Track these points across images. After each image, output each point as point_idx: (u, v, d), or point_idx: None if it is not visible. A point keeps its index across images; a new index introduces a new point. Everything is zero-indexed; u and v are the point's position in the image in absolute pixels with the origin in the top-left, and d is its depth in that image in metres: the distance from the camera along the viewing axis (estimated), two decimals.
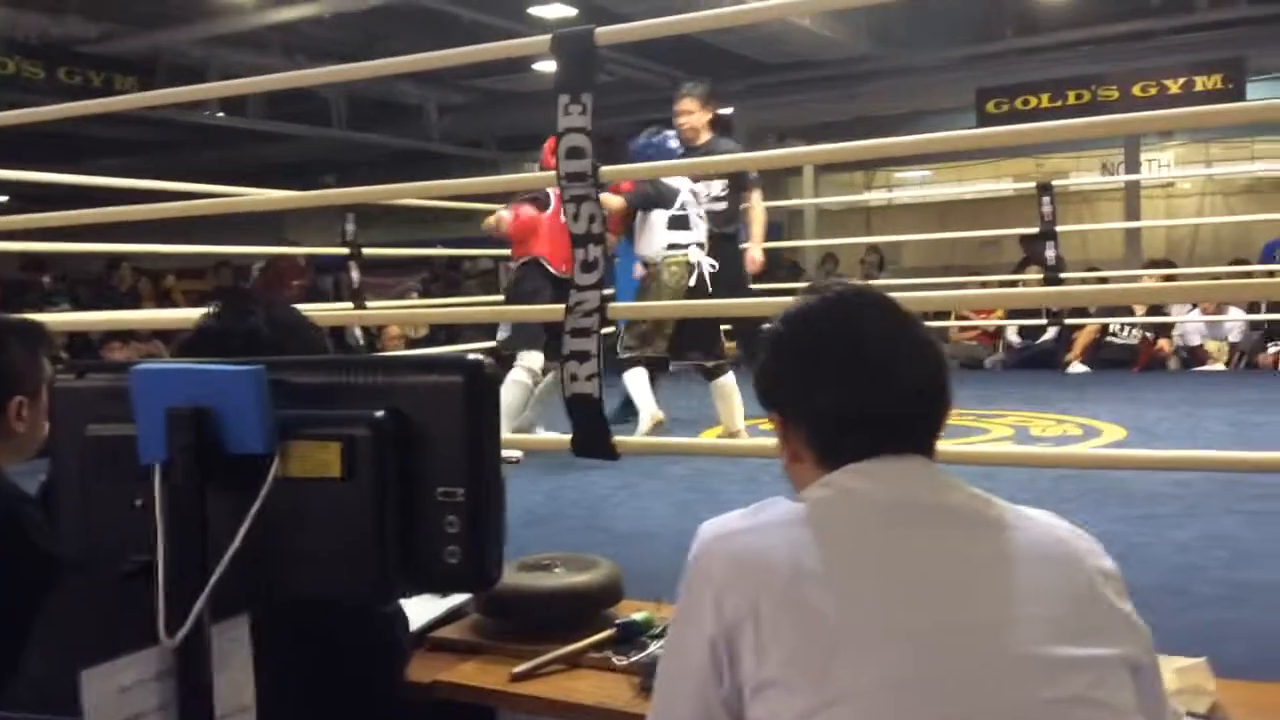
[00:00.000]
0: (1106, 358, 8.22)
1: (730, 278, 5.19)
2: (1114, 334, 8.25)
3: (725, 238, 5.36)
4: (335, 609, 1.41)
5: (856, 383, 1.19)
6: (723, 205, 5.33)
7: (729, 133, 5.39)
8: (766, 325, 1.28)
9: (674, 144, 5.25)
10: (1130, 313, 7.93)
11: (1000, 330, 9.14)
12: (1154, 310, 7.96)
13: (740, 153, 5.10)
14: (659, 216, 5.11)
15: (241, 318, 1.54)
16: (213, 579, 1.07)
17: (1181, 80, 9.77)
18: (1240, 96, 9.42)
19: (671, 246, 5.10)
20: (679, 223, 5.12)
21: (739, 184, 5.40)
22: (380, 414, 1.08)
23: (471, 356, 1.13)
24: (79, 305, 10.31)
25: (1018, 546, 1.15)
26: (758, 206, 5.63)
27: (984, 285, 9.06)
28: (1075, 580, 1.15)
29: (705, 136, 5.26)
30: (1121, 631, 1.14)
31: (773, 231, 13.70)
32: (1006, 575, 1.12)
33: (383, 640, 1.56)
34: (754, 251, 5.62)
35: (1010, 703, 1.04)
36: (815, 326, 1.23)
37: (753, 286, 5.66)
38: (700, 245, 5.13)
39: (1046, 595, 1.11)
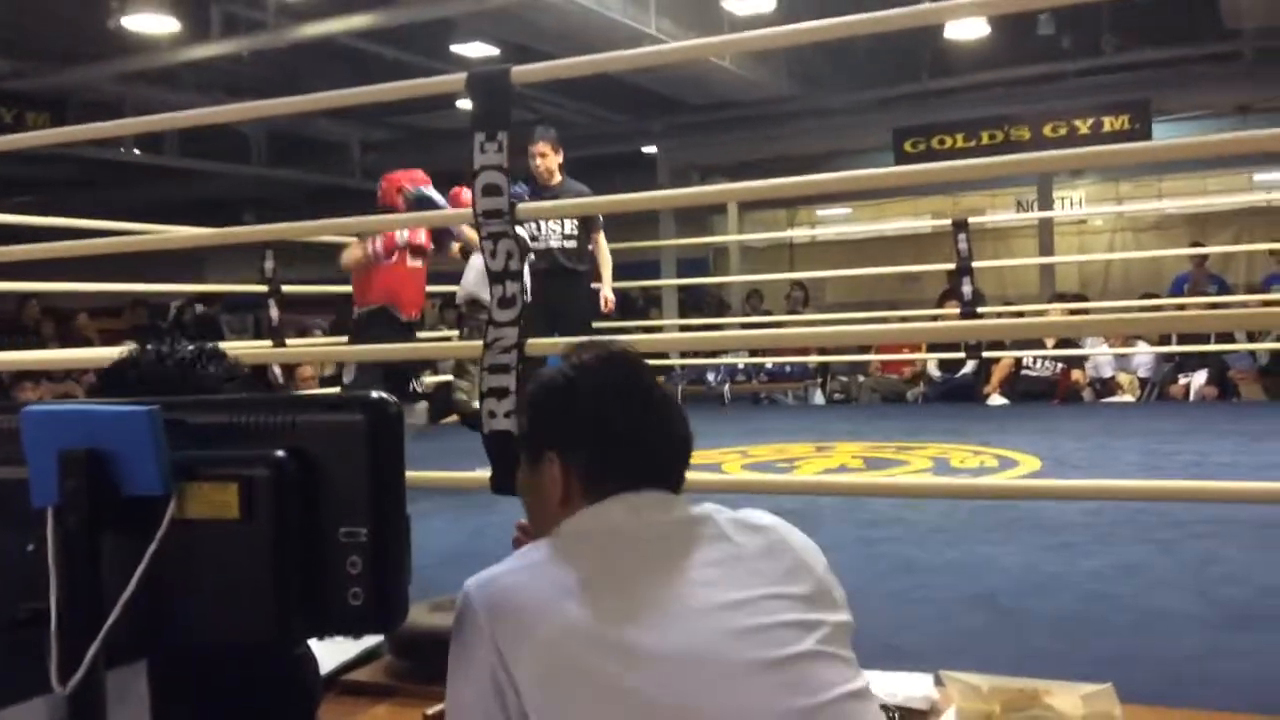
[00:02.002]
0: (1024, 390, 8.39)
1: (578, 312, 5.52)
2: (1028, 367, 8.42)
3: (575, 274, 5.75)
4: (241, 651, 1.38)
5: (641, 426, 1.37)
6: (573, 243, 5.73)
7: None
8: (548, 373, 1.43)
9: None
10: (1044, 345, 8.11)
11: (921, 364, 9.29)
12: (1066, 343, 8.14)
13: (589, 195, 5.44)
14: (477, 258, 5.21)
15: (151, 361, 1.51)
16: (107, 624, 1.05)
17: (1090, 121, 10.08)
18: (1146, 136, 9.72)
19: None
20: None
21: (587, 225, 5.80)
22: (280, 454, 1.07)
23: (375, 394, 1.12)
24: None
25: (747, 548, 1.31)
26: (603, 247, 5.97)
27: (904, 320, 9.21)
28: (795, 566, 1.31)
29: (558, 178, 5.70)
30: (840, 604, 1.32)
31: (699, 267, 13.92)
32: (742, 568, 1.28)
33: (292, 683, 1.53)
34: (606, 290, 5.99)
35: (753, 662, 1.19)
36: (606, 378, 1.39)
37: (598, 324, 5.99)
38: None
39: (778, 578, 1.28)
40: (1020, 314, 8.75)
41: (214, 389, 1.47)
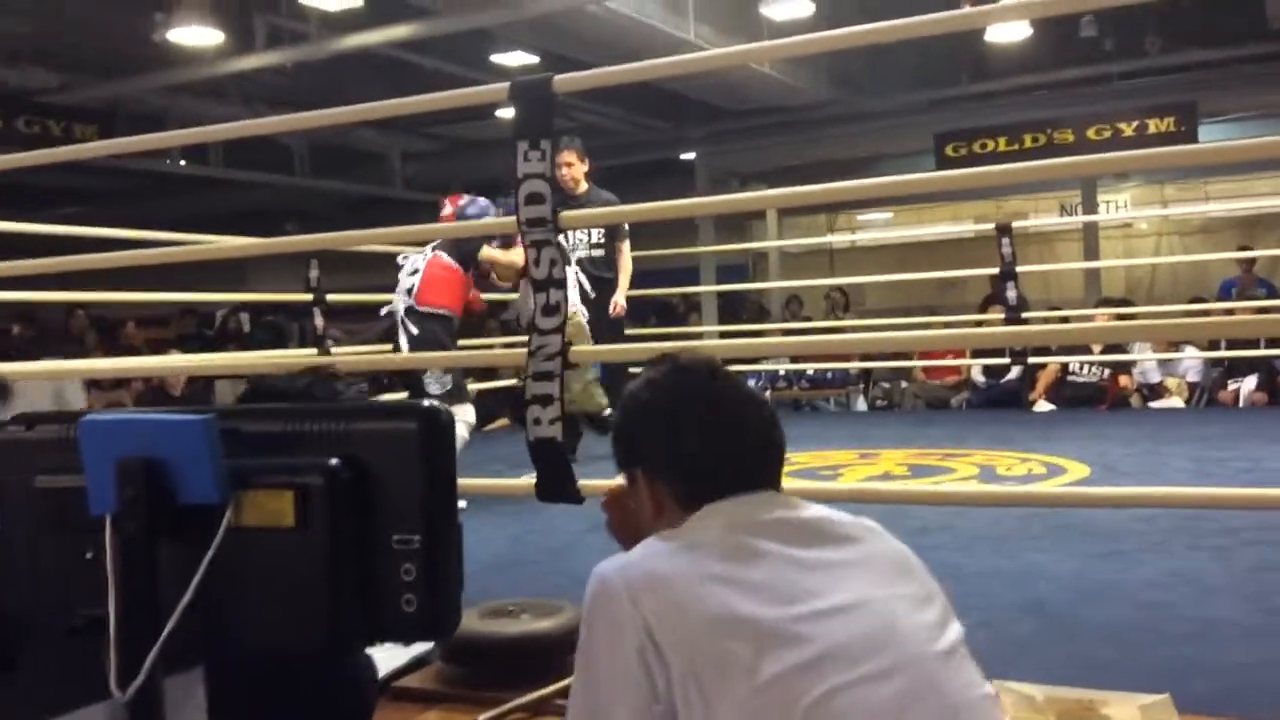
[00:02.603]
0: (1071, 395, 8.29)
1: (608, 319, 5.56)
2: (1074, 372, 8.32)
3: (604, 281, 5.80)
4: (297, 659, 1.38)
5: (717, 434, 1.38)
6: (601, 252, 5.85)
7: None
8: (629, 390, 1.45)
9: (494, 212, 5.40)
10: (1089, 351, 8.01)
11: (966, 370, 9.20)
12: (1112, 349, 8.04)
13: (616, 203, 5.54)
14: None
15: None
16: (165, 631, 1.06)
17: (1135, 123, 9.95)
18: (1193, 139, 9.59)
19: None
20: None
21: (613, 234, 5.87)
22: (334, 462, 1.07)
23: (427, 403, 1.12)
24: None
25: (868, 547, 1.35)
26: (626, 256, 6.00)
27: (947, 325, 9.13)
28: (909, 565, 1.36)
29: (584, 186, 5.81)
30: (948, 605, 1.36)
31: (738, 274, 13.88)
32: (872, 564, 1.31)
33: (348, 690, 1.53)
34: (618, 296, 5.96)
35: (915, 656, 1.22)
36: (676, 391, 1.42)
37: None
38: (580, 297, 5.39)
39: (900, 577, 1.32)
40: (1065, 319, 8.65)
41: None
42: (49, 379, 6.83)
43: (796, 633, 1.19)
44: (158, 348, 10.21)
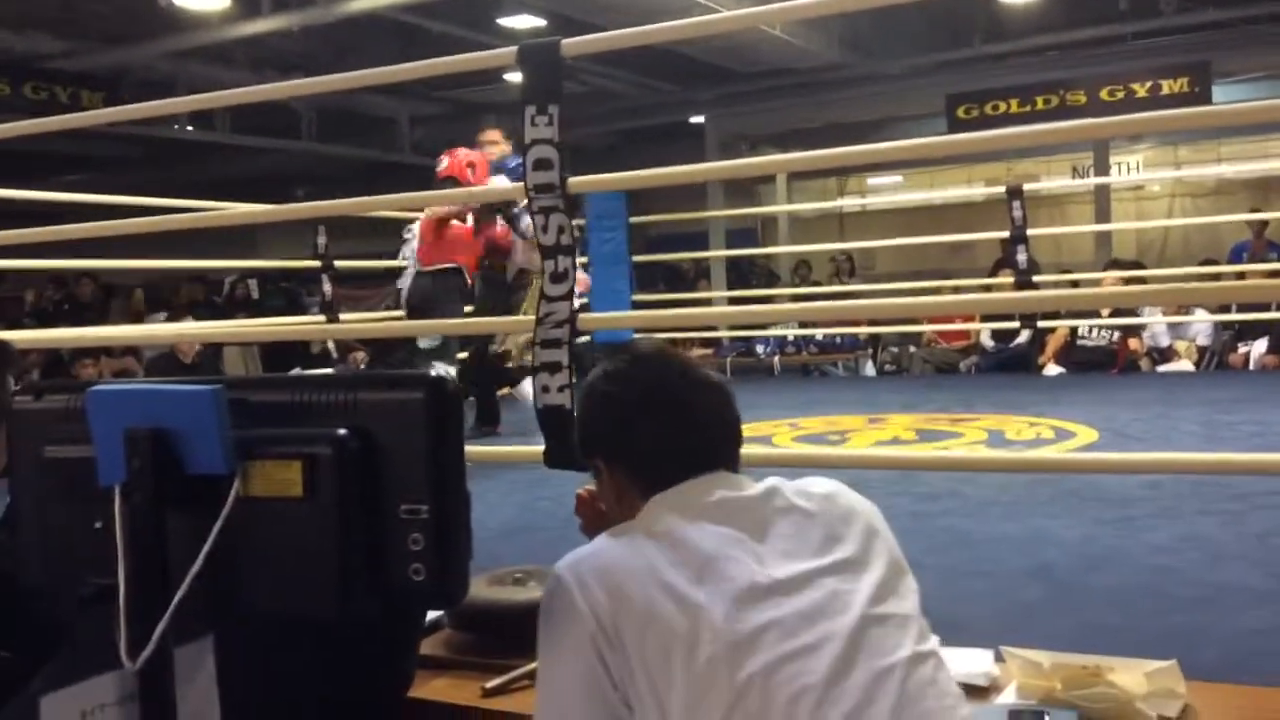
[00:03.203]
0: (1080, 359, 8.26)
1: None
2: (1084, 337, 8.29)
3: None
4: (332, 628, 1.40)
5: (669, 423, 1.42)
6: None
7: None
8: (586, 382, 1.50)
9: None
10: (1098, 315, 7.98)
11: (975, 334, 9.18)
12: (1121, 312, 8.01)
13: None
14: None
15: None
16: (174, 601, 1.06)
17: (1148, 84, 9.86)
18: (1206, 100, 9.51)
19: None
20: None
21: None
22: (342, 432, 1.08)
23: (434, 372, 1.12)
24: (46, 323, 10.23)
25: (815, 516, 1.37)
26: None
27: (956, 290, 9.10)
28: (853, 526, 1.37)
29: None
30: (898, 558, 1.39)
31: (747, 238, 13.83)
32: (811, 534, 1.34)
33: (382, 662, 1.54)
34: None
35: (845, 624, 1.25)
36: (628, 380, 1.46)
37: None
38: None
39: (839, 543, 1.34)
40: (1076, 283, 8.61)
41: None
42: (54, 346, 6.85)
43: (734, 613, 1.23)
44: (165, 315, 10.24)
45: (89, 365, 8.00)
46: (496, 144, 5.73)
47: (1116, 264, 8.65)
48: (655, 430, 1.41)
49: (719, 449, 1.43)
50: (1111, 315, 7.95)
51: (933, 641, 1.32)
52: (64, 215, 4.79)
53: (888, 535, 1.39)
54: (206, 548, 1.04)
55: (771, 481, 1.40)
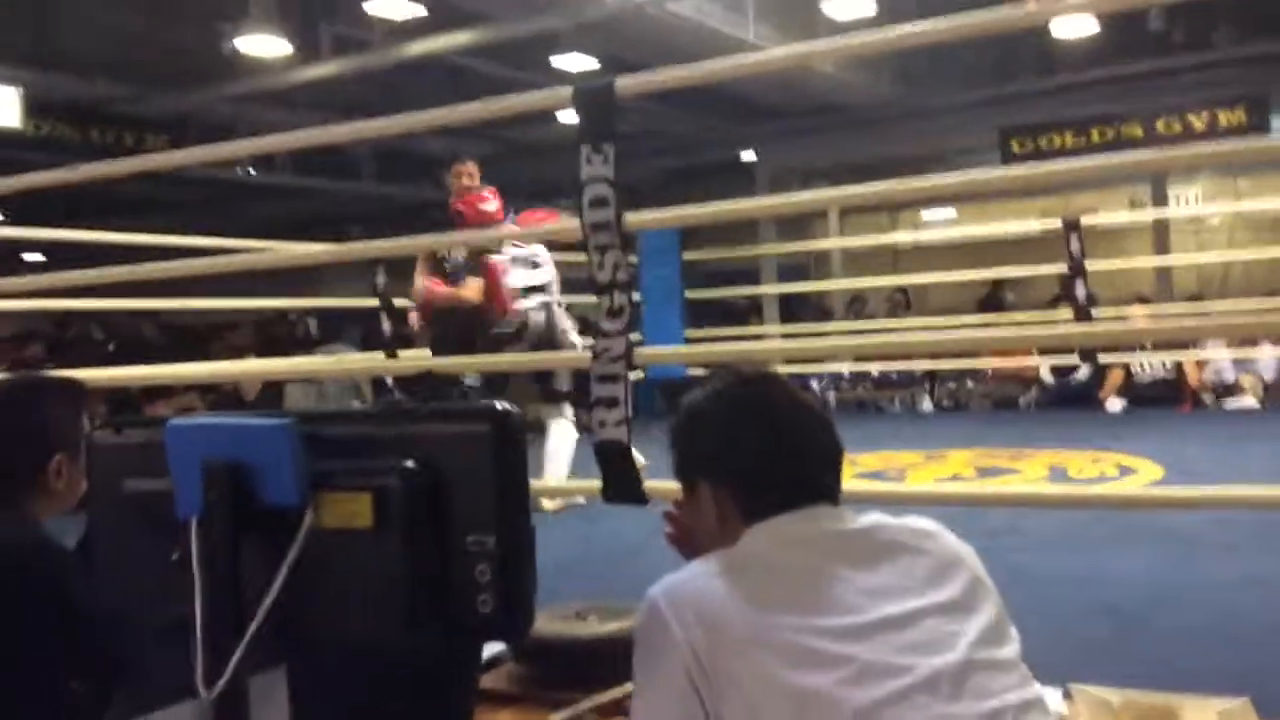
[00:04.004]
0: (1142, 394, 8.14)
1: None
2: (1137, 372, 8.16)
3: None
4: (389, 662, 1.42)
5: (779, 446, 1.40)
6: None
7: None
8: (685, 404, 1.48)
9: None
10: (1157, 348, 7.86)
11: (1035, 369, 9.07)
12: (1168, 346, 7.89)
13: None
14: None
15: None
16: (250, 631, 1.08)
17: (1205, 116, 9.76)
18: (1265, 131, 9.38)
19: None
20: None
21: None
22: (410, 464, 1.09)
23: (499, 405, 1.13)
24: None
25: (917, 554, 1.34)
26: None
27: (1016, 324, 9.01)
28: (955, 569, 1.34)
29: None
30: (1000, 605, 1.36)
31: (799, 273, 13.79)
32: (915, 572, 1.31)
33: (444, 690, 1.54)
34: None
35: (941, 667, 1.22)
36: (737, 401, 1.44)
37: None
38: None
39: (941, 585, 1.31)
40: (1122, 317, 8.46)
41: None
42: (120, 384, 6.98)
43: (835, 650, 1.21)
44: (233, 353, 10.41)
45: (161, 405, 8.13)
46: (473, 176, 5.66)
47: (1143, 300, 8.51)
48: (764, 453, 1.39)
49: (823, 478, 1.41)
50: (1156, 347, 7.82)
51: (1036, 688, 1.30)
52: (129, 257, 4.89)
53: (989, 581, 1.37)
54: (280, 578, 1.06)
55: (875, 516, 1.38)
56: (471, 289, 5.13)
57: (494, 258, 5.20)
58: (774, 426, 1.40)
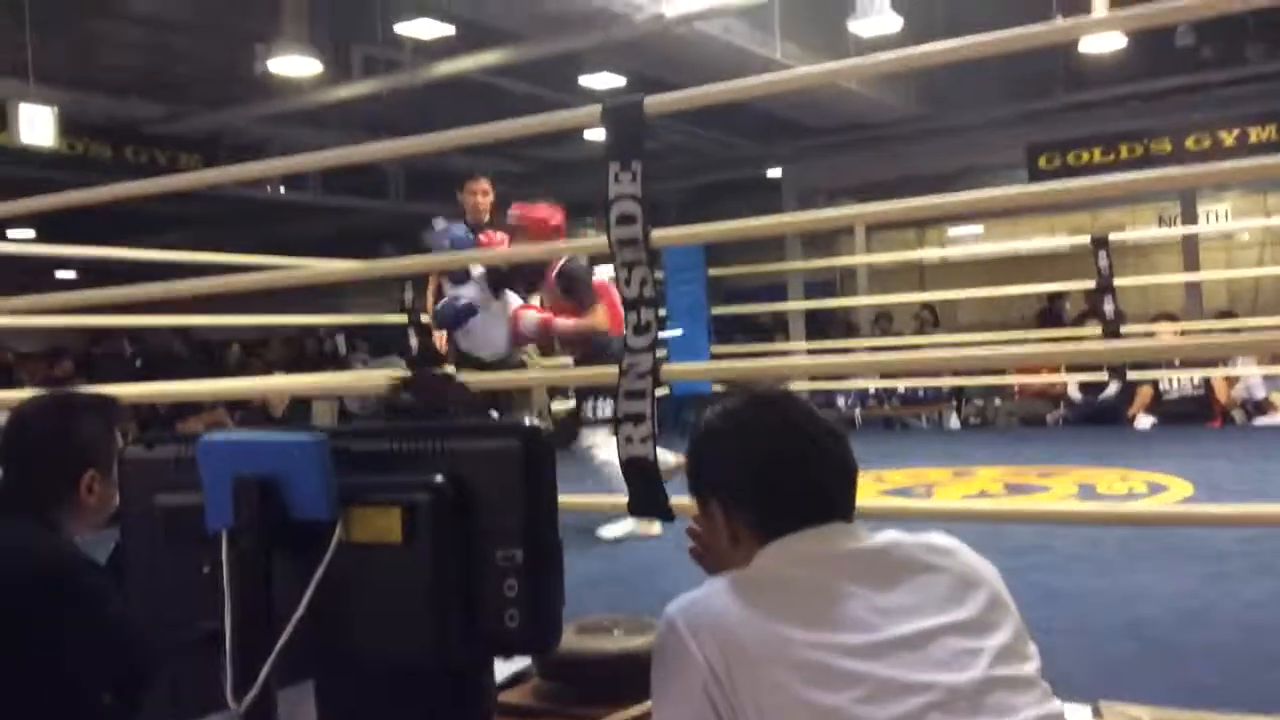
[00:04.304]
0: (1172, 411, 8.07)
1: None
2: (1165, 390, 8.10)
3: None
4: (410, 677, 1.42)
5: (792, 465, 1.39)
6: None
7: None
8: (699, 422, 1.48)
9: (460, 232, 5.36)
10: (1185, 365, 7.80)
11: (1062, 386, 9.01)
12: (1208, 363, 7.83)
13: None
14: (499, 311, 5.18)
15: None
16: (279, 644, 1.09)
17: (1235, 132, 9.69)
18: None
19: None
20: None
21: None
22: (439, 479, 1.11)
23: (528, 422, 1.15)
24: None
25: (934, 572, 1.34)
26: None
27: (1043, 340, 8.95)
28: (973, 587, 1.33)
29: (488, 218, 5.57)
30: (1020, 623, 1.35)
31: (826, 289, 13.79)
32: (933, 590, 1.31)
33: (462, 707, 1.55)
34: None
35: (957, 686, 1.21)
36: (750, 420, 1.44)
37: None
38: None
39: (959, 603, 1.30)
40: (1148, 334, 8.41)
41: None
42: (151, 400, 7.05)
43: (852, 668, 1.21)
44: (259, 370, 10.49)
45: (193, 421, 8.19)
46: (487, 194, 5.60)
47: (1170, 317, 8.44)
48: (777, 475, 1.38)
49: (838, 498, 1.40)
50: (1183, 365, 7.76)
51: (1057, 705, 1.29)
52: (160, 274, 4.95)
53: (1009, 598, 1.36)
54: (310, 591, 1.08)
55: (892, 534, 1.37)
56: (601, 316, 4.86)
57: (600, 278, 4.93)
58: (785, 448, 1.40)
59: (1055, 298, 12.16)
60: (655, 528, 4.46)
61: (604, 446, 4.67)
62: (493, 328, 5.25)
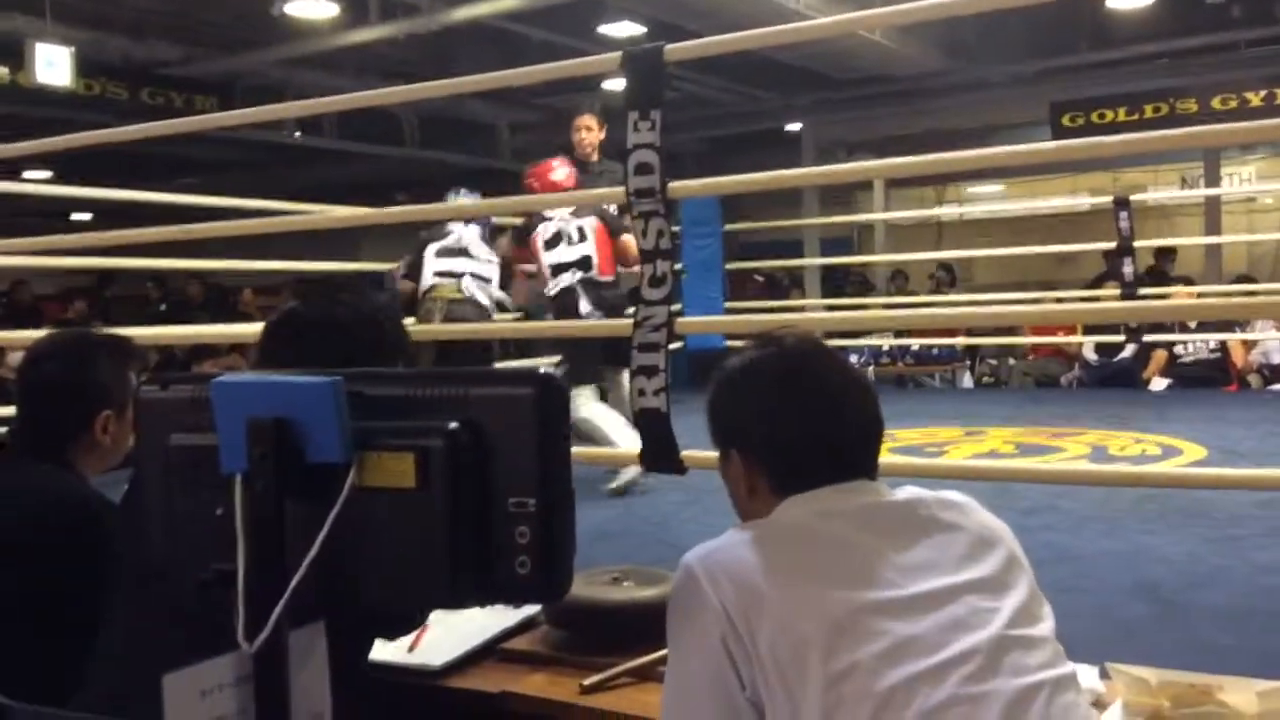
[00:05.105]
0: (1188, 374, 8.04)
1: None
2: (1180, 355, 8.06)
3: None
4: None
5: (814, 419, 1.37)
6: None
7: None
8: (723, 370, 1.44)
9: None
10: (1202, 328, 7.77)
11: (1078, 347, 8.98)
12: (1224, 326, 7.79)
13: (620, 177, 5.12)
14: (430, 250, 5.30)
15: (327, 307, 1.58)
16: (291, 586, 1.10)
17: (1263, 93, 9.56)
18: None
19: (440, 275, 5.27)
20: (448, 252, 5.34)
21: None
22: (453, 425, 1.10)
23: (542, 369, 1.14)
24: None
25: (953, 529, 1.34)
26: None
27: (1059, 301, 8.91)
28: (990, 545, 1.34)
29: (596, 156, 5.34)
30: (1034, 582, 1.36)
31: (842, 246, 13.74)
32: (951, 547, 1.31)
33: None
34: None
35: (978, 643, 1.22)
36: (774, 372, 1.41)
37: None
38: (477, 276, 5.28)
39: (977, 561, 1.31)
40: (1165, 296, 8.37)
41: (400, 345, 1.54)
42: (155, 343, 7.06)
43: (871, 624, 1.20)
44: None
45: (209, 364, 8.23)
46: (590, 130, 5.34)
47: (1187, 281, 8.39)
48: (800, 426, 1.37)
49: (859, 456, 1.39)
50: (1199, 328, 7.73)
51: (1070, 666, 1.29)
52: (174, 217, 4.94)
53: (1024, 557, 1.36)
54: (323, 534, 1.07)
55: (911, 490, 1.37)
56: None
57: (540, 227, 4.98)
58: (809, 402, 1.38)
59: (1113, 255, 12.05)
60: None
61: (585, 404, 4.71)
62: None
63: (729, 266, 8.29)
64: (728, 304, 7.92)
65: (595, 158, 5.34)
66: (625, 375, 4.95)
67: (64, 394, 1.99)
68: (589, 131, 5.36)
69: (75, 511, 1.84)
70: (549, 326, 5.07)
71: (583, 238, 4.93)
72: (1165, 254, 6.91)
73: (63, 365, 2.02)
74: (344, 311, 1.57)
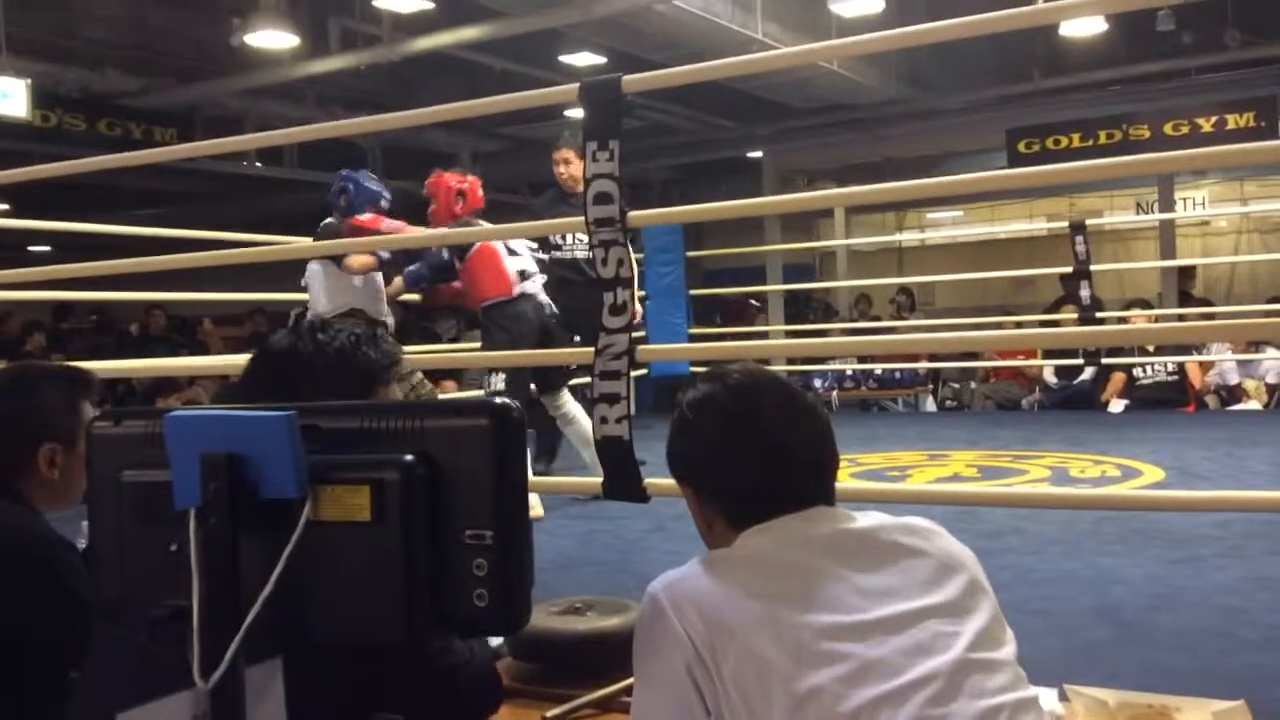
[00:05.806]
0: (1146, 396, 8.14)
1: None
2: (1139, 378, 8.15)
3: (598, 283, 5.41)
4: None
5: (760, 459, 1.37)
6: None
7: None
8: (678, 405, 1.45)
9: (372, 184, 5.73)
10: (1160, 351, 7.87)
11: (1038, 370, 9.07)
12: (1170, 349, 7.91)
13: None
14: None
15: (293, 342, 1.56)
16: (247, 622, 1.08)
17: (1214, 119, 9.74)
18: (1273, 135, 9.35)
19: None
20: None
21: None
22: (409, 458, 1.09)
23: (499, 400, 1.14)
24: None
25: (915, 555, 1.34)
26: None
27: (1019, 325, 9.00)
28: (953, 570, 1.34)
29: (582, 185, 5.45)
30: (997, 608, 1.36)
31: (805, 272, 13.81)
32: (915, 572, 1.31)
33: (436, 681, 1.53)
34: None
35: (937, 668, 1.22)
36: (722, 411, 1.41)
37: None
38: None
39: (939, 586, 1.31)
40: (1122, 319, 8.48)
41: (376, 374, 1.52)
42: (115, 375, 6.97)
43: (833, 648, 1.21)
44: (232, 346, 10.41)
45: (172, 398, 8.14)
46: (569, 163, 5.40)
47: (1144, 304, 8.52)
48: (746, 468, 1.37)
49: (814, 484, 1.39)
50: (1157, 352, 7.83)
51: (1033, 691, 1.30)
52: (136, 249, 4.90)
53: (986, 582, 1.37)
54: (279, 569, 1.07)
55: (875, 516, 1.37)
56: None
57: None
58: (755, 441, 1.38)
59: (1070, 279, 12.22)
60: (538, 509, 4.41)
61: (566, 401, 4.85)
62: None
63: (693, 293, 8.32)
64: (692, 330, 7.95)
65: (580, 189, 5.40)
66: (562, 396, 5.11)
67: (5, 426, 1.95)
68: (568, 164, 5.43)
69: (18, 544, 1.81)
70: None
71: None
72: (1186, 274, 7.07)
73: (5, 396, 1.99)
74: (330, 348, 1.54)
